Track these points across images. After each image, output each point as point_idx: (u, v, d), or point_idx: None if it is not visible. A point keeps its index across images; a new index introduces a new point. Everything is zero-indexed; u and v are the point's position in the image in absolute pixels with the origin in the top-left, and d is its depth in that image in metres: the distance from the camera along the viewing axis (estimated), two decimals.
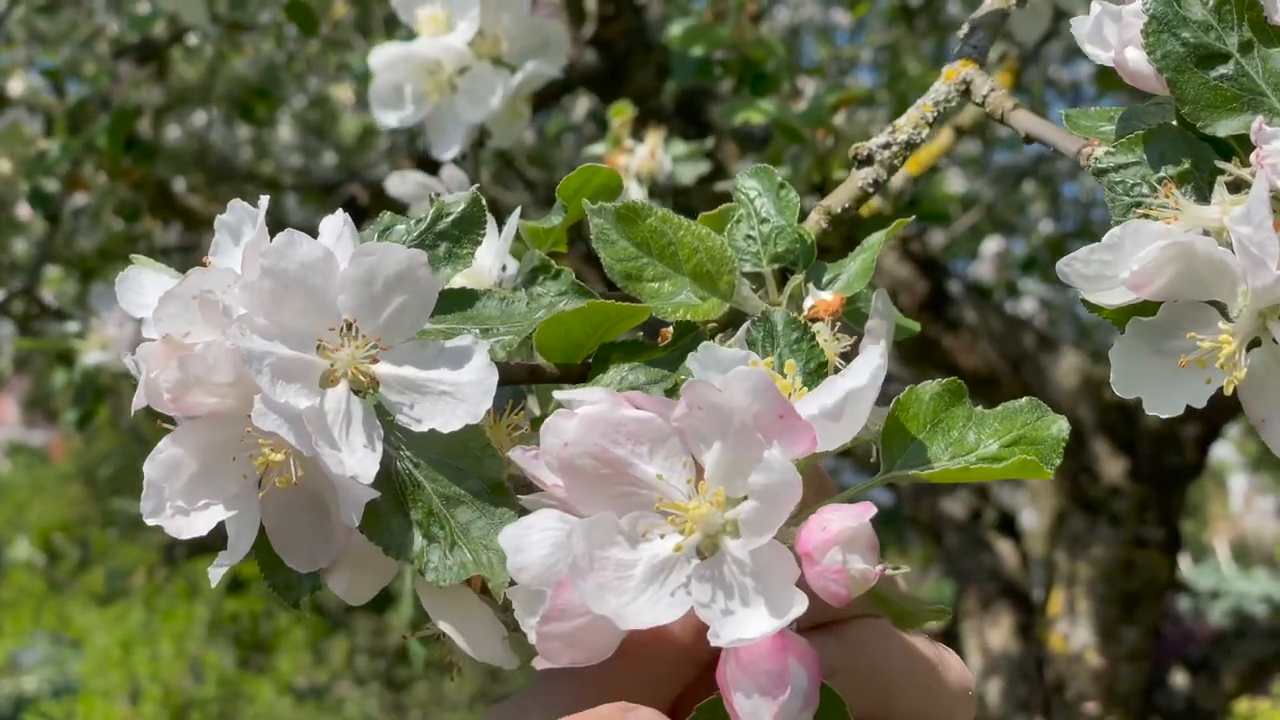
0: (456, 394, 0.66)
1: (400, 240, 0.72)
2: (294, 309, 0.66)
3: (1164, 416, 0.66)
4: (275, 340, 0.65)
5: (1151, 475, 3.38)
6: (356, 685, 6.05)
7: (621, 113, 1.89)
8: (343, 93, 3.98)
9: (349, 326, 0.66)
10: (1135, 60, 0.72)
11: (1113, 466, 3.39)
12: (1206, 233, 0.66)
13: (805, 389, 0.65)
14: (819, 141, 2.08)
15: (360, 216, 3.37)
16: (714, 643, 0.57)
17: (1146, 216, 0.67)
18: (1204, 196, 0.68)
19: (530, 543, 0.61)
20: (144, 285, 0.73)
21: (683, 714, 0.70)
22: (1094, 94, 4.78)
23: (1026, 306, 5.53)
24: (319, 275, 0.66)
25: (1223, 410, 3.37)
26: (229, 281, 0.67)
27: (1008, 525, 3.94)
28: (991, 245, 5.29)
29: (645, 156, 1.85)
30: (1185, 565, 4.48)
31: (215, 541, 0.68)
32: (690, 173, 2.01)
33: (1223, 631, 4.04)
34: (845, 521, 0.58)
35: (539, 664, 0.62)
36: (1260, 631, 3.80)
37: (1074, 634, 3.40)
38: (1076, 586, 3.40)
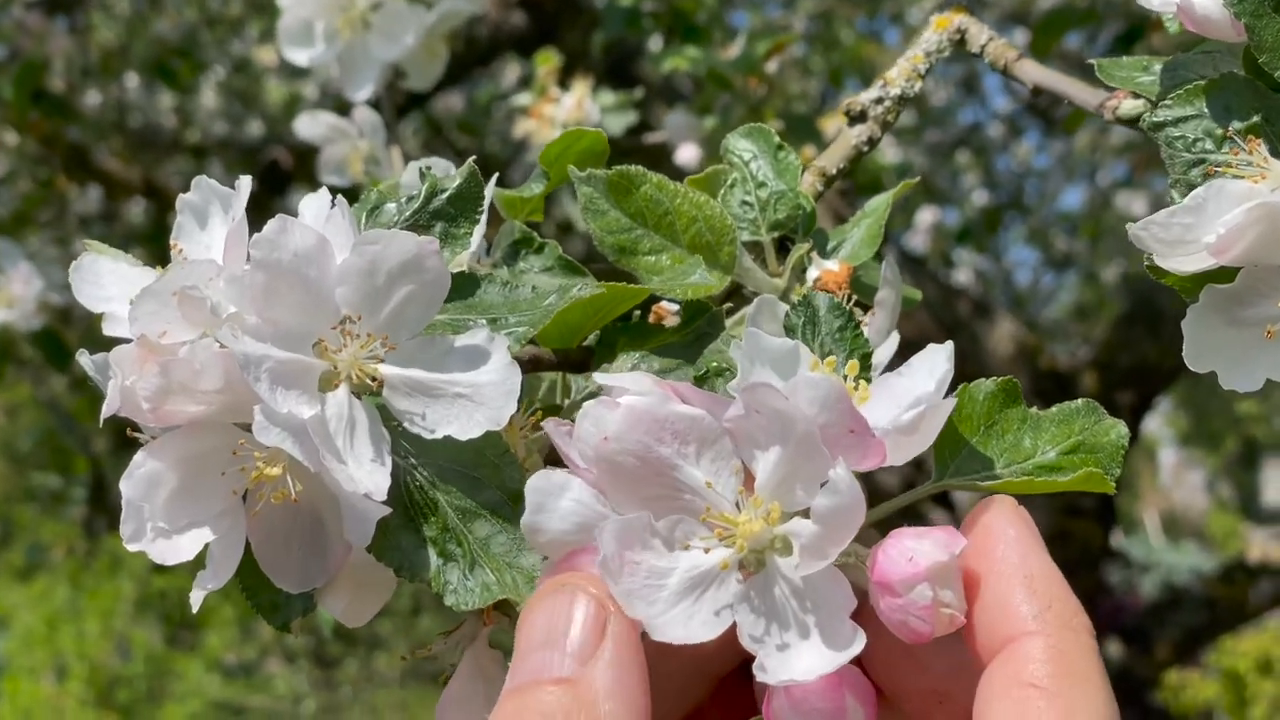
0: (475, 397, 0.59)
1: (391, 220, 0.66)
2: (288, 305, 0.59)
3: (1242, 391, 0.61)
4: (269, 341, 0.58)
5: None
6: (286, 662, 5.99)
7: (547, 61, 1.84)
8: (266, 55, 3.88)
9: (350, 322, 0.60)
10: (1204, 5, 0.66)
11: None
12: None
13: (868, 392, 0.59)
14: (751, 90, 2.02)
15: (284, 181, 3.29)
16: (760, 678, 0.52)
17: (1220, 175, 0.62)
18: (1278, 152, 0.62)
19: (557, 508, 0.55)
20: (102, 276, 0.66)
21: None
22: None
23: (960, 277, 5.52)
24: (314, 266, 0.59)
25: (1154, 378, 3.43)
26: (210, 275, 0.60)
27: (942, 497, 3.92)
28: (926, 216, 5.27)
29: (572, 106, 1.80)
30: (1116, 538, 4.50)
31: None
32: (619, 123, 1.96)
33: (1157, 601, 4.07)
34: (935, 555, 0.53)
35: None
36: (1194, 601, 3.82)
37: None
38: None
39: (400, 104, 2.53)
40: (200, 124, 4.27)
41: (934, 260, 5.23)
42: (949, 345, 0.58)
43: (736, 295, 0.76)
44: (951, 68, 4.91)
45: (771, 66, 2.02)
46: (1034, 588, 0.53)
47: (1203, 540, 8.34)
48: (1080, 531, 3.43)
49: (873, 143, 0.83)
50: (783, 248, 0.78)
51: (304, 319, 0.59)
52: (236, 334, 0.57)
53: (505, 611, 0.65)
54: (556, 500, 0.55)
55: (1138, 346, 3.36)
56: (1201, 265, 0.61)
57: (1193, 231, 0.61)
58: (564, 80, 1.84)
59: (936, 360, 0.57)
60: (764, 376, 0.56)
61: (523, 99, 1.87)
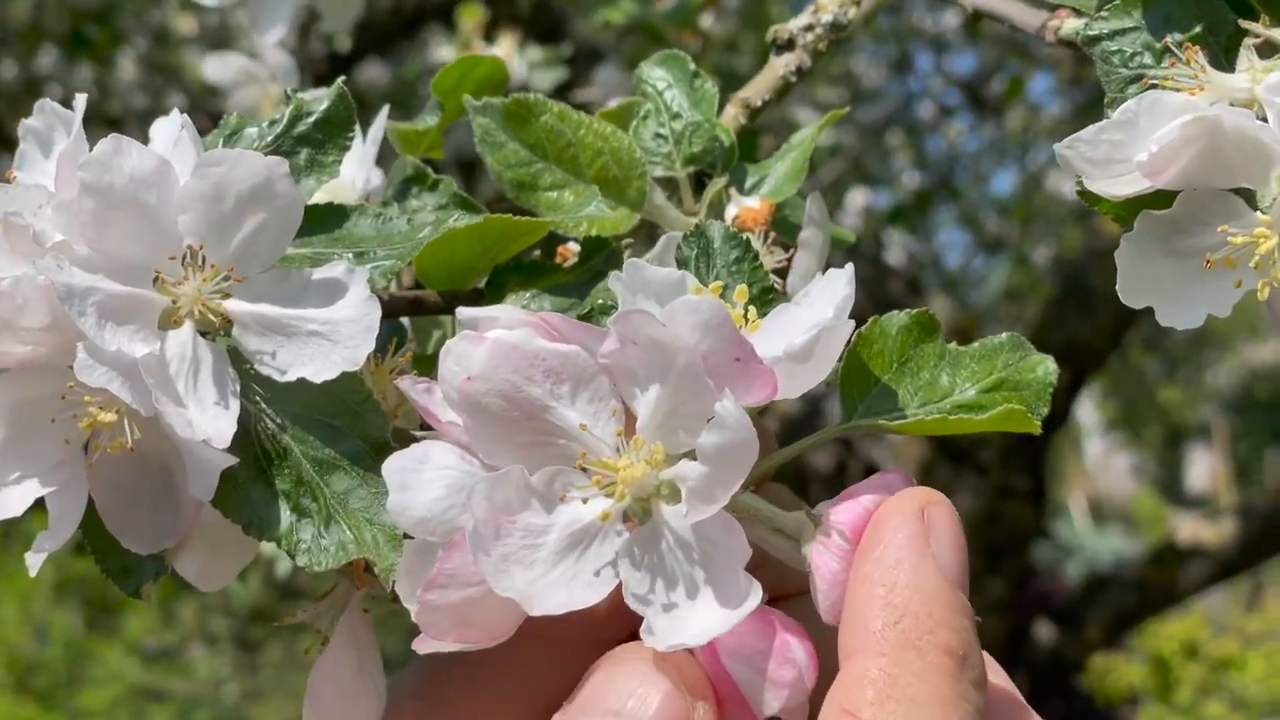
0: (330, 335, 0.54)
1: (251, 146, 0.60)
2: (123, 234, 0.54)
3: (1180, 328, 0.56)
4: (101, 273, 0.53)
5: None
6: (208, 646, 5.91)
7: (472, 14, 1.78)
8: (185, 23, 3.78)
9: (193, 254, 0.55)
10: None
11: None
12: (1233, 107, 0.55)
13: (759, 322, 0.54)
14: (685, 45, 1.96)
15: None
16: (648, 643, 0.47)
17: (1158, 87, 0.57)
18: (1220, 64, 0.58)
19: (420, 481, 0.50)
20: None
21: None
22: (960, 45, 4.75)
23: (892, 259, 5.50)
24: (154, 191, 0.54)
25: (1086, 356, 3.43)
26: (40, 201, 0.55)
27: None
28: (857, 198, 5.24)
29: None
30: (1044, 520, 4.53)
31: None
32: (547, 79, 1.90)
33: (1087, 582, 4.07)
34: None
35: (419, 644, 0.51)
36: (1124, 583, 3.83)
37: None
38: None
39: (320, 75, 2.45)
40: (120, 96, 4.17)
41: (866, 241, 5.21)
42: (849, 268, 0.52)
43: (650, 235, 0.71)
44: (884, 48, 4.87)
45: (706, 20, 1.96)
46: (890, 599, 0.48)
47: (1128, 524, 8.41)
48: (1011, 513, 3.43)
49: (801, 73, 0.77)
50: (700, 184, 0.73)
51: (141, 250, 0.54)
52: (62, 264, 0.52)
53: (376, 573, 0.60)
54: (418, 474, 0.50)
55: (1069, 324, 3.35)
56: (1135, 188, 0.56)
57: (1123, 149, 0.55)
58: (490, 35, 1.78)
59: (836, 285, 0.52)
60: (646, 308, 0.50)
61: (446, 52, 1.81)
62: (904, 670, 0.47)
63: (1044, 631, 3.88)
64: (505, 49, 1.73)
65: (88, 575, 5.94)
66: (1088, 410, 8.42)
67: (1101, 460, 10.19)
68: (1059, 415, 3.53)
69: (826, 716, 0.47)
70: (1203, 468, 10.12)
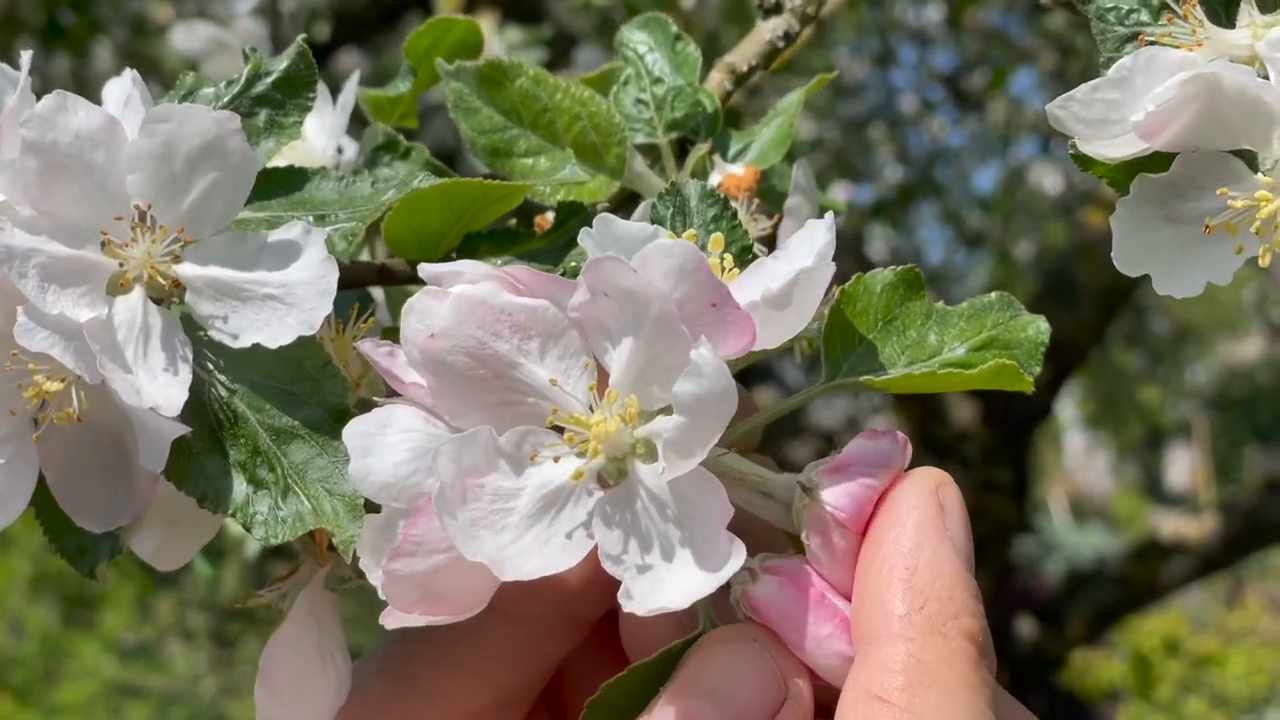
0: (285, 298, 0.52)
1: (208, 105, 0.58)
2: (69, 194, 0.52)
3: (1179, 296, 0.54)
4: (44, 235, 0.51)
5: (1001, 418, 3.37)
6: (185, 641, 5.89)
7: None
8: (162, 12, 3.75)
9: (143, 215, 0.52)
10: None
11: (962, 409, 3.37)
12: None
13: (736, 271, 0.52)
14: None
15: None
16: (626, 608, 0.45)
17: (1155, 44, 0.54)
18: (1219, 20, 0.55)
19: (383, 445, 0.48)
20: None
21: (573, 685, 0.58)
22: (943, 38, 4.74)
23: (874, 255, 5.49)
24: (101, 150, 0.52)
25: (1069, 352, 3.43)
26: None
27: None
28: (839, 192, 5.23)
29: None
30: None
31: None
32: (526, 61, 1.87)
33: (1069, 578, 4.06)
34: None
35: (386, 619, 0.49)
36: (1105, 578, 3.82)
37: None
38: None
39: None
40: (97, 87, 4.14)
41: (848, 235, 5.20)
42: (829, 215, 0.50)
43: (631, 205, 0.69)
44: (868, 41, 4.86)
45: (688, 2, 1.93)
46: (912, 583, 0.47)
47: (1108, 522, 8.41)
48: (993, 508, 3.41)
49: (789, 38, 0.75)
50: (684, 151, 0.71)
51: (88, 211, 0.52)
52: (3, 226, 0.50)
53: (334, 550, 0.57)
54: (381, 438, 0.48)
55: (1052, 320, 3.31)
56: (1131, 150, 0.54)
57: (1118, 109, 0.53)
58: (468, 10, 1.75)
59: (816, 234, 0.49)
60: None
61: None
62: (932, 656, 0.46)
63: (1025, 627, 3.87)
64: (485, 30, 1.70)
65: (64, 570, 5.89)
66: (1067, 408, 8.42)
67: (1081, 458, 10.20)
68: (1041, 410, 3.52)
69: (853, 702, 0.46)
70: (1182, 466, 10.14)
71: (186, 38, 1.38)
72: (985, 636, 0.47)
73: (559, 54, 2.35)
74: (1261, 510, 3.56)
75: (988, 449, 3.41)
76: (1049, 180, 4.96)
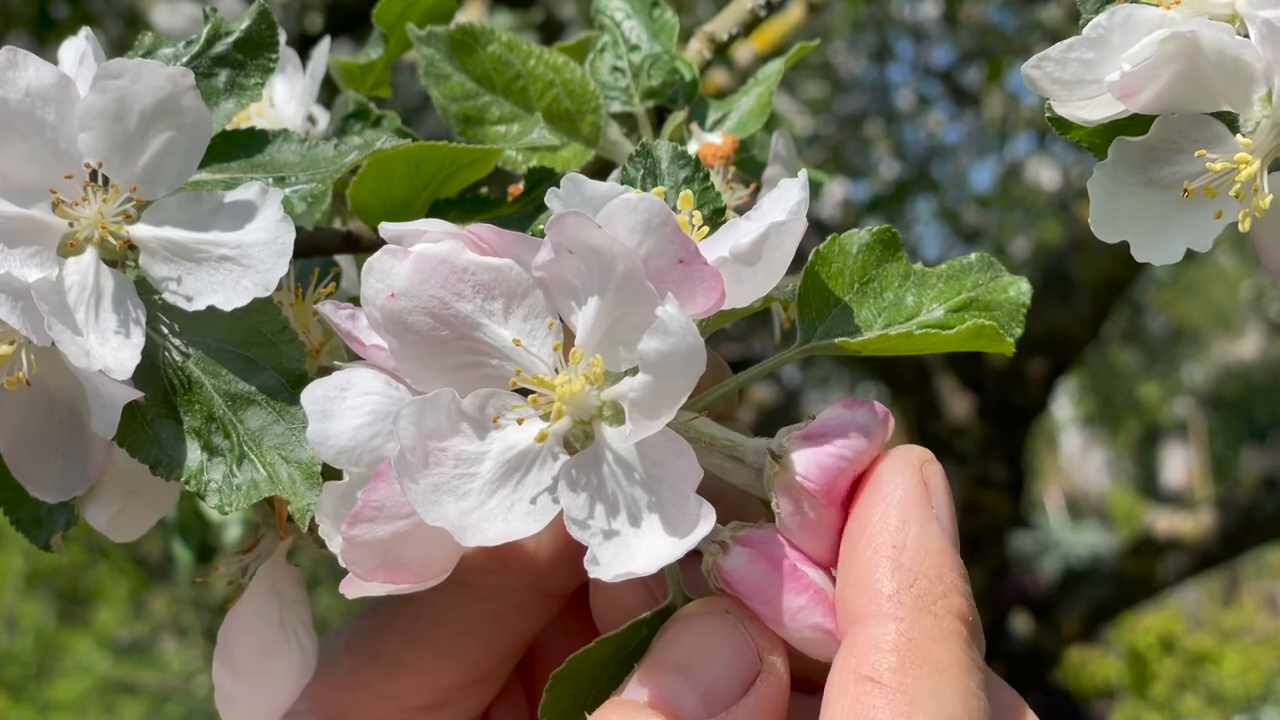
0: (241, 259, 0.50)
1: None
2: (18, 152, 0.50)
3: (1158, 264, 0.52)
4: None
5: (997, 413, 3.36)
6: (179, 637, 5.88)
7: None
8: (154, 5, 3.74)
9: (95, 175, 0.51)
10: None
11: (958, 404, 3.36)
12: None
13: (706, 229, 0.50)
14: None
15: None
16: (593, 573, 0.44)
17: (1133, 1, 0.52)
18: None
19: (342, 409, 0.46)
20: None
21: (546, 661, 0.57)
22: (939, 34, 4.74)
23: None
24: (51, 108, 0.50)
25: (1065, 347, 3.42)
26: None
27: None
28: (836, 189, 5.21)
29: None
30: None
31: None
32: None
33: (1065, 575, 4.05)
34: None
35: (346, 587, 0.47)
36: (1102, 574, 3.81)
37: None
38: None
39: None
40: None
41: (844, 230, 5.18)
42: (803, 173, 0.48)
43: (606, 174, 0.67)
44: (865, 37, 4.85)
45: None
46: (900, 561, 0.46)
47: (1103, 520, 8.41)
48: (990, 503, 3.40)
49: (771, 7, 0.73)
50: (661, 120, 0.69)
51: (38, 170, 0.51)
52: None
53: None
54: (340, 401, 0.47)
55: (1048, 315, 3.33)
56: (1109, 112, 0.52)
57: (1094, 69, 0.51)
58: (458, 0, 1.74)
59: (789, 192, 0.48)
60: None
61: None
62: (923, 635, 0.44)
63: (1021, 624, 3.86)
64: (473, 13, 1.69)
65: (59, 566, 5.91)
66: (1064, 407, 8.42)
67: (1077, 456, 10.20)
68: (1038, 405, 3.50)
69: (843, 683, 0.44)
70: (1178, 464, 10.14)
71: (169, 15, 1.37)
72: (974, 616, 0.46)
73: (548, 40, 2.34)
74: (1258, 507, 3.55)
75: (984, 444, 3.40)
76: (1046, 176, 4.95)
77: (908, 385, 3.44)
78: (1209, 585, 6.66)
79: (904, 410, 3.45)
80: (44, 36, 3.46)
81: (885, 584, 0.45)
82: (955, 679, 0.44)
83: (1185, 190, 0.51)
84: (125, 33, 4.09)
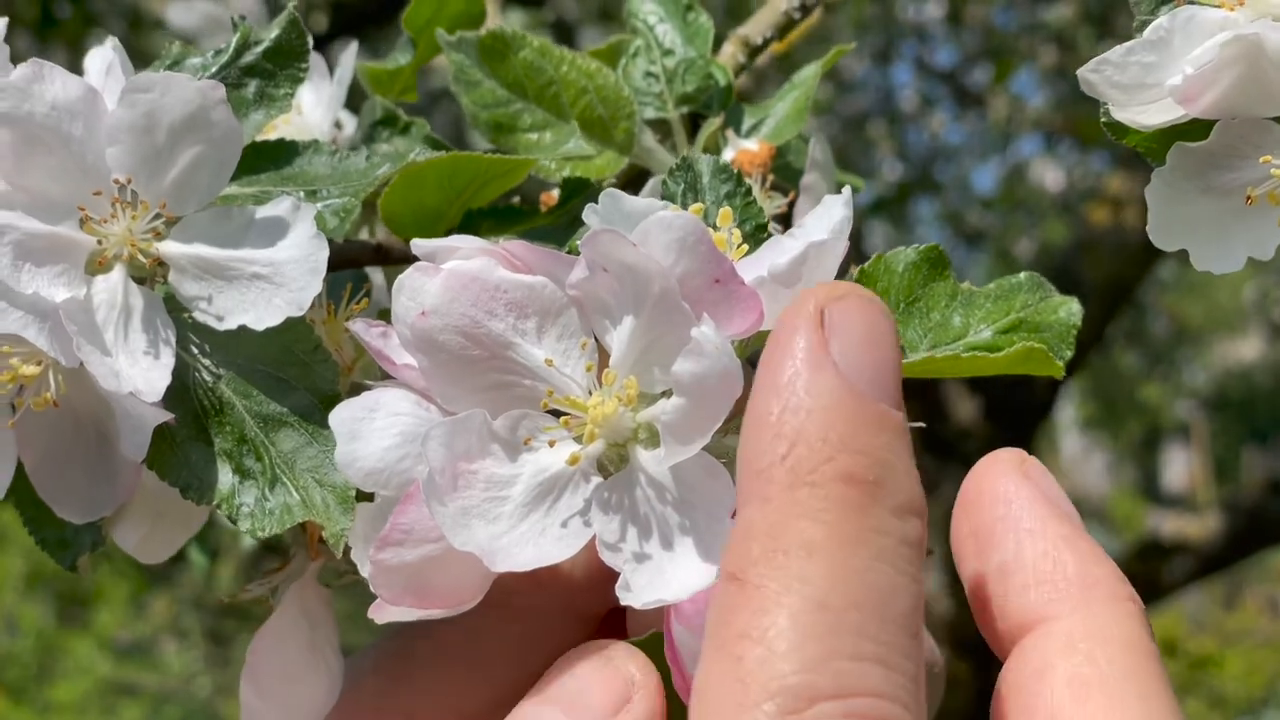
0: (273, 277, 0.49)
1: (194, 76, 0.55)
2: (45, 168, 0.49)
3: (1218, 273, 0.50)
4: (19, 210, 0.49)
5: (1002, 413, 3.35)
6: (180, 639, 5.88)
7: None
8: (158, 5, 3.74)
9: (123, 190, 0.50)
10: None
11: (964, 406, 3.35)
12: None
13: (746, 248, 0.49)
14: None
15: None
16: (624, 600, 0.43)
17: (1194, 3, 0.50)
18: None
19: (371, 429, 0.45)
20: None
21: None
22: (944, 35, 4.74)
23: (873, 253, 5.48)
24: (79, 122, 0.49)
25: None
26: None
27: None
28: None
29: None
30: None
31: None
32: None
33: None
34: None
35: (375, 612, 0.46)
36: None
37: (924, 579, 3.36)
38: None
39: None
40: None
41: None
42: (847, 190, 0.47)
43: (640, 182, 0.66)
44: (870, 36, 4.85)
45: None
46: (779, 430, 0.38)
47: (1104, 522, 8.41)
48: None
49: (806, 9, 0.72)
50: (695, 126, 0.68)
51: (65, 186, 0.49)
52: None
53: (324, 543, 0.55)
54: (369, 422, 0.46)
55: None
56: (1168, 116, 0.50)
57: (1154, 73, 0.49)
58: None
59: (832, 209, 0.46)
60: None
61: None
62: (794, 514, 0.37)
63: None
64: (489, 13, 1.68)
65: (59, 568, 5.91)
66: (1065, 409, 8.41)
67: (1078, 460, 10.20)
68: (1044, 405, 3.50)
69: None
70: (1179, 467, 10.14)
71: (183, 13, 1.36)
72: (882, 472, 0.38)
73: (560, 40, 2.33)
74: (1265, 509, 3.54)
75: (990, 446, 3.39)
76: (1050, 177, 4.95)
77: (914, 388, 3.43)
78: (1211, 588, 6.65)
79: (909, 412, 3.44)
80: (46, 36, 3.45)
81: (760, 459, 0.38)
82: (830, 557, 0.37)
83: (1249, 197, 0.50)
84: (128, 33, 4.09)
